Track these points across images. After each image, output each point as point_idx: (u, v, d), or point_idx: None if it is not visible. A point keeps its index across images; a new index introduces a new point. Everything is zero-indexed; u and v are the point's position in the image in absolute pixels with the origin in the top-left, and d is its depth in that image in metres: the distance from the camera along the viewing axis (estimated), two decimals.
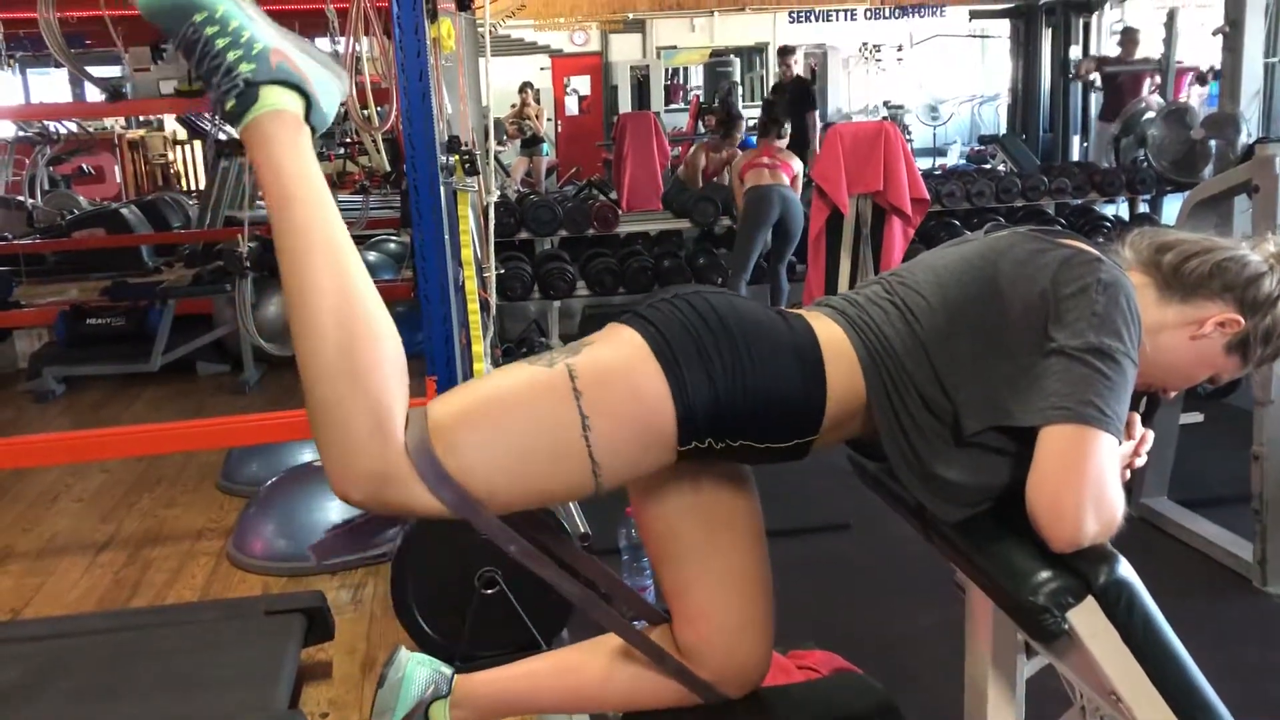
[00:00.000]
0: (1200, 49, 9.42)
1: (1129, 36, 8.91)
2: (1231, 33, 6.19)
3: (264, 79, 1.23)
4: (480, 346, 3.45)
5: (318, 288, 1.21)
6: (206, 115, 7.45)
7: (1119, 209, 8.31)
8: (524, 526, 1.37)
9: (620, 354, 1.31)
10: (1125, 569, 1.21)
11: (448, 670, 1.55)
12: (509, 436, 1.27)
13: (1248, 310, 1.38)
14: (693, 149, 8.17)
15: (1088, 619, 1.20)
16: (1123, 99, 8.75)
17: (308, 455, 3.65)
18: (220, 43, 1.22)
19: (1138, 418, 1.35)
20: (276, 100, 1.24)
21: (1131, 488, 3.29)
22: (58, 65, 4.94)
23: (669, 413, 1.27)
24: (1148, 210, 7.81)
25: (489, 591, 2.45)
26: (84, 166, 10.85)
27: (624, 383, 1.28)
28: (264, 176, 1.24)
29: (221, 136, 7.68)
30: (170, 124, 12.23)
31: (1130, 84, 8.74)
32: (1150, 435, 1.37)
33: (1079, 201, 7.50)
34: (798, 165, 6.08)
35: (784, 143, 6.22)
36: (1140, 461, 1.36)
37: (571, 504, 2.71)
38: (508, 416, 1.28)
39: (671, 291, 1.39)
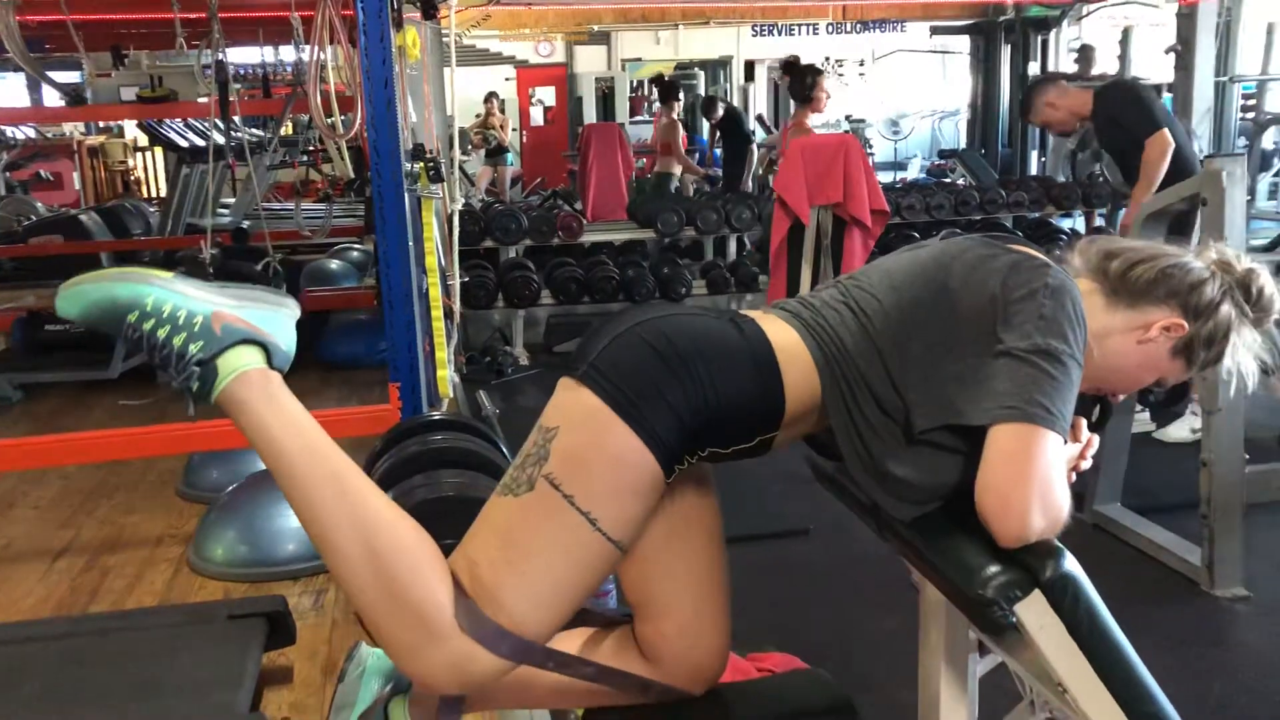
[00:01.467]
0: (1155, 67, 9.58)
1: (1086, 55, 9.03)
2: (1183, 51, 6.34)
3: (215, 351, 1.26)
4: (443, 353, 3.46)
5: (336, 525, 1.26)
6: (168, 122, 7.41)
7: (1075, 222, 8.44)
8: None
9: (585, 432, 1.32)
10: (1071, 563, 1.25)
11: None
12: (537, 571, 1.31)
13: (1191, 315, 1.43)
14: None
15: (1035, 612, 1.24)
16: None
17: None
18: (162, 333, 1.25)
19: (1084, 422, 1.39)
20: (235, 363, 1.27)
21: (1082, 491, 3.37)
22: (16, 69, 4.91)
23: (650, 460, 1.30)
24: (1103, 224, 7.94)
25: None
26: (42, 172, 10.74)
27: (601, 459, 1.30)
28: (252, 439, 1.28)
29: (183, 143, 7.64)
30: (131, 130, 12.13)
31: None
32: (1096, 440, 1.41)
33: (1036, 215, 7.63)
34: None
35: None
36: (1087, 464, 1.40)
37: None
38: (527, 555, 1.31)
39: (621, 326, 1.38)
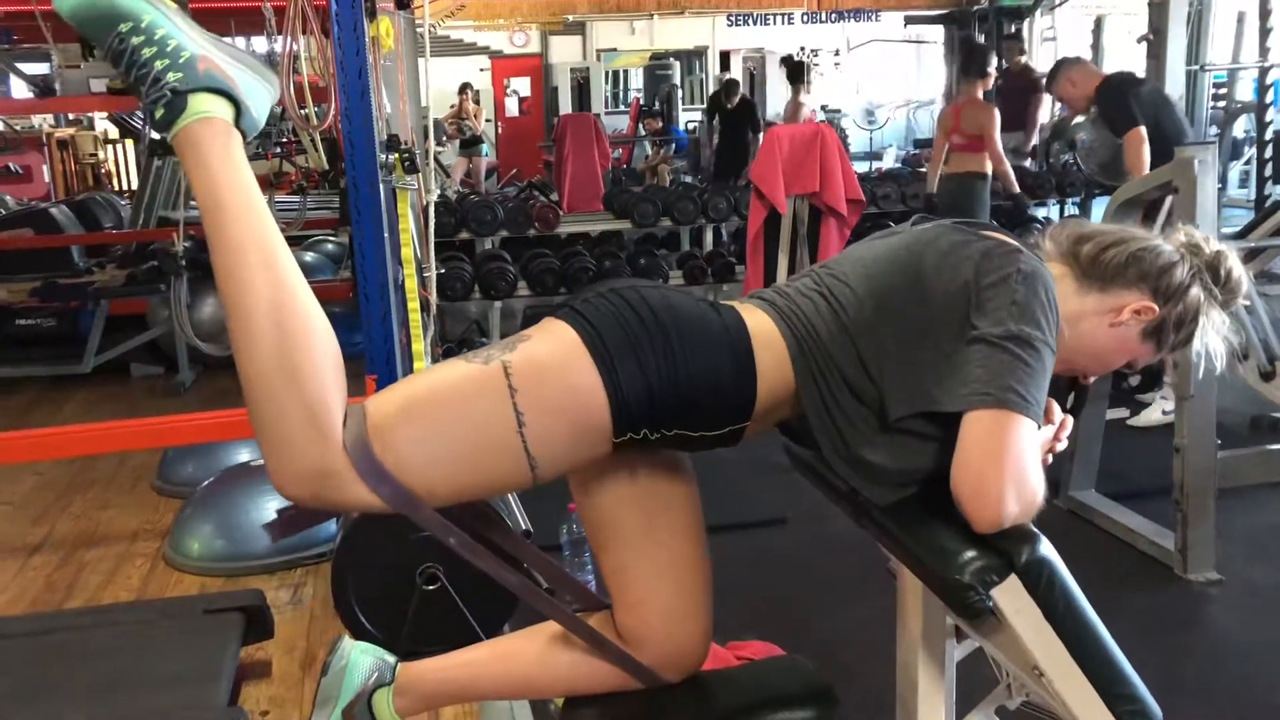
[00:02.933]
0: (1127, 56, 9.63)
1: (1010, 47, 8.84)
2: (1155, 40, 6.38)
3: (192, 86, 1.24)
4: (420, 345, 3.45)
5: (252, 290, 1.22)
6: (138, 114, 7.33)
7: (1049, 211, 8.49)
8: (464, 519, 1.39)
9: (554, 349, 1.33)
10: (1046, 548, 1.26)
11: (391, 658, 1.56)
12: (445, 433, 1.29)
13: (1161, 298, 1.44)
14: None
15: (1011, 596, 1.25)
16: (1016, 108, 8.72)
17: (244, 455, 3.62)
18: (147, 52, 1.23)
19: (1056, 405, 1.40)
20: (205, 107, 1.25)
21: (1057, 478, 3.40)
22: None
23: (603, 405, 1.30)
24: (1076, 212, 7.99)
25: (431, 588, 2.46)
26: (11, 165, 10.62)
27: (558, 378, 1.30)
28: (196, 182, 1.25)
29: (154, 136, 7.56)
30: (101, 123, 12.00)
31: (1022, 94, 8.74)
32: (1070, 421, 1.42)
33: (1010, 204, 7.65)
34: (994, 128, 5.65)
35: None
36: (1061, 446, 1.41)
37: (514, 501, 2.72)
38: (444, 413, 1.30)
39: (606, 286, 1.41)
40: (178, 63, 1.23)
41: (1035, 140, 8.62)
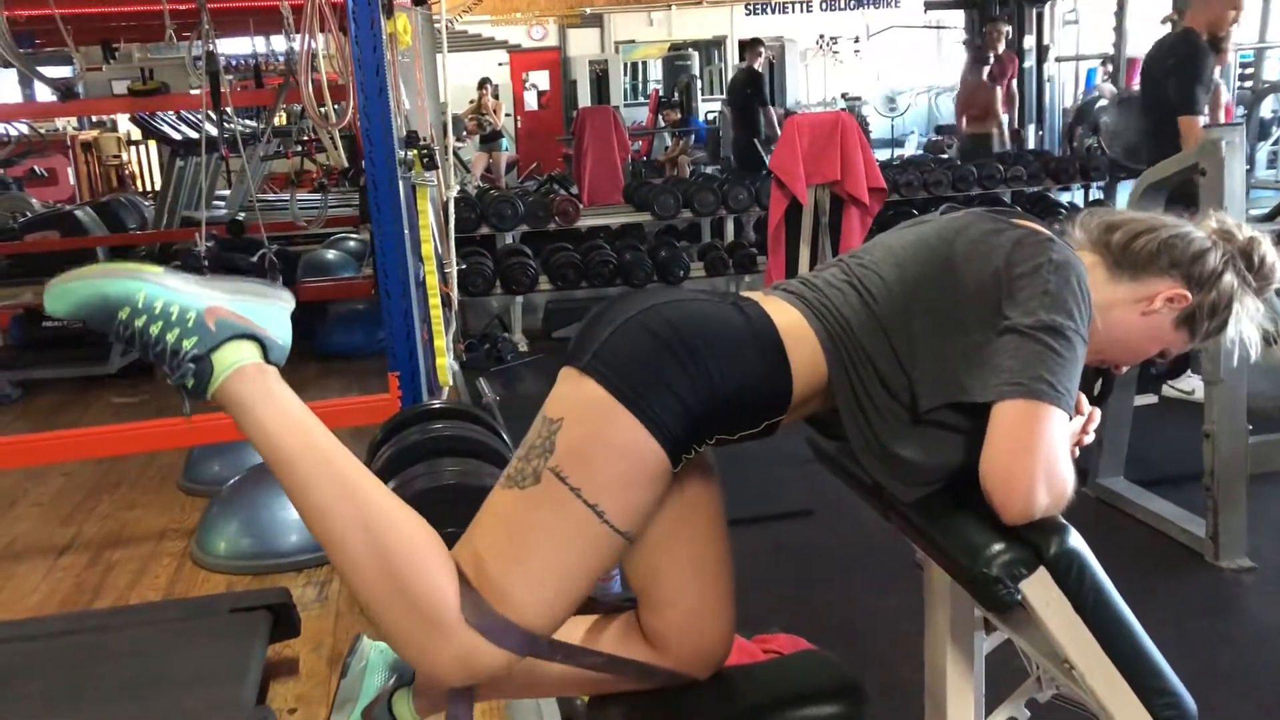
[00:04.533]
0: (1151, 37, 9.51)
1: (992, 32, 8.68)
2: (1179, 21, 6.28)
3: (210, 346, 1.24)
4: (442, 341, 3.45)
5: (339, 520, 1.24)
6: (161, 115, 7.38)
7: (1073, 196, 8.42)
8: None
9: (591, 423, 1.30)
10: (1075, 539, 1.24)
11: None
12: (547, 567, 1.29)
13: (1194, 285, 1.42)
14: None
15: (1040, 589, 1.23)
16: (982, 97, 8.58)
17: None
18: (154, 329, 1.23)
19: (1084, 397, 1.38)
20: (232, 358, 1.25)
21: (1086, 467, 3.37)
22: (7, 65, 4.87)
23: (656, 451, 1.28)
24: (1101, 197, 7.92)
25: None
26: (36, 168, 10.71)
27: (607, 451, 1.28)
28: (250, 436, 1.26)
29: (176, 136, 7.60)
30: (124, 124, 12.08)
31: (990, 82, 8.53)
32: (1098, 413, 1.40)
33: (1034, 189, 7.61)
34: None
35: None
36: (1089, 438, 1.39)
37: None
38: (537, 554, 1.29)
39: (621, 314, 1.36)
40: (187, 328, 1.23)
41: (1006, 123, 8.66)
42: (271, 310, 1.31)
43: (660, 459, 1.29)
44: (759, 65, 9.51)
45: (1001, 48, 8.57)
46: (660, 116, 13.64)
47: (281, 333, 1.31)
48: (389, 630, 1.27)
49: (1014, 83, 8.76)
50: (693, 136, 12.88)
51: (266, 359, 1.29)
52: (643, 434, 1.27)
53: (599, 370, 1.30)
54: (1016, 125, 9.08)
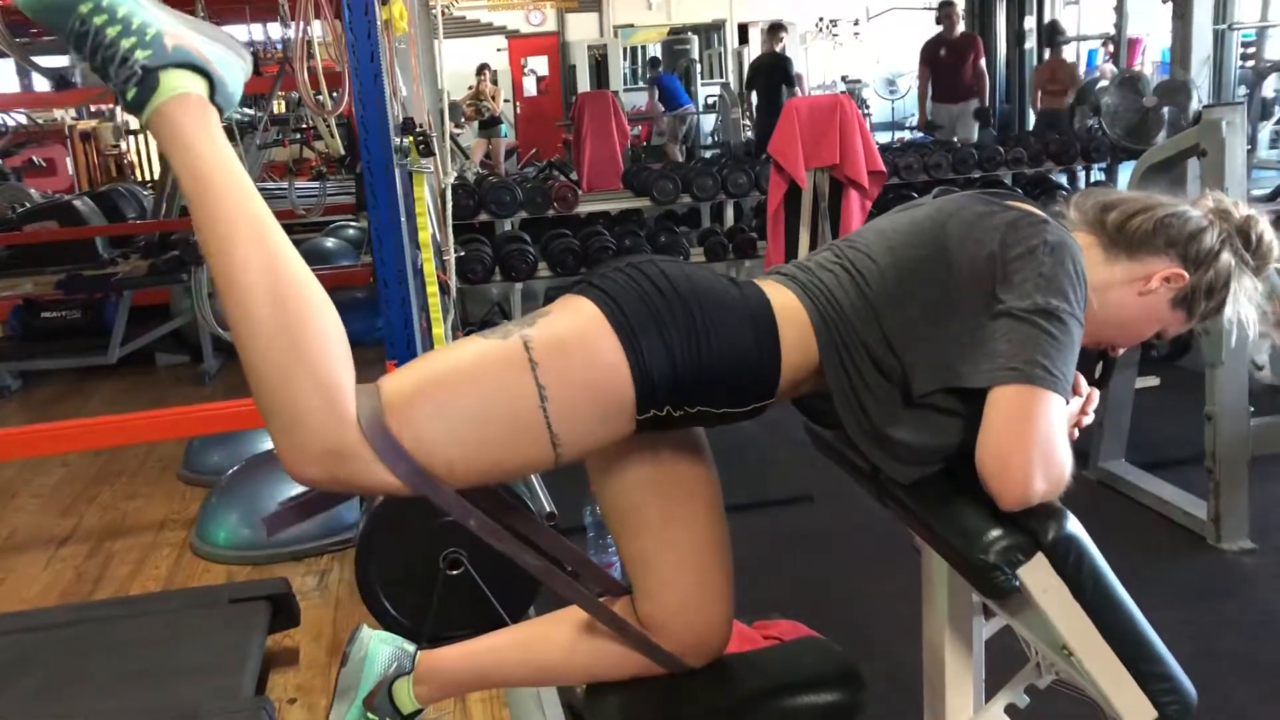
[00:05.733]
0: (1153, 17, 9.47)
1: (947, 13, 8.67)
2: (1181, 1, 6.26)
3: (162, 63, 1.19)
4: (440, 330, 3.44)
5: (247, 268, 1.18)
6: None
7: (1074, 177, 8.39)
8: (485, 503, 1.37)
9: (576, 323, 1.30)
10: (1073, 525, 1.23)
11: (410, 647, 1.55)
12: (465, 410, 1.26)
13: (1191, 265, 1.40)
14: None
15: (1038, 575, 1.22)
16: (951, 78, 8.58)
17: (269, 443, 3.62)
18: (111, 31, 1.18)
19: (1083, 378, 1.37)
20: (178, 84, 1.20)
21: (1086, 448, 3.36)
22: (2, 55, 4.85)
23: (626, 380, 1.27)
24: (1103, 178, 7.89)
25: (454, 573, 2.45)
26: (34, 159, 10.70)
27: (580, 352, 1.27)
28: (176, 162, 1.20)
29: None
30: (121, 114, 12.05)
31: (954, 62, 8.55)
32: (1096, 394, 1.39)
33: (1035, 171, 7.58)
34: None
35: None
36: (1088, 419, 1.38)
37: (537, 484, 2.71)
38: (463, 390, 1.27)
39: (626, 261, 1.38)
40: (145, 40, 1.19)
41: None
42: (230, 59, 1.26)
43: (627, 389, 1.27)
44: (779, 48, 9.48)
45: (961, 28, 8.60)
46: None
47: (234, 81, 1.26)
48: (269, 400, 1.18)
49: (982, 62, 8.73)
50: (695, 119, 12.82)
51: (213, 99, 1.24)
52: (621, 358, 1.26)
53: (598, 294, 1.32)
54: (987, 105, 9.03)
